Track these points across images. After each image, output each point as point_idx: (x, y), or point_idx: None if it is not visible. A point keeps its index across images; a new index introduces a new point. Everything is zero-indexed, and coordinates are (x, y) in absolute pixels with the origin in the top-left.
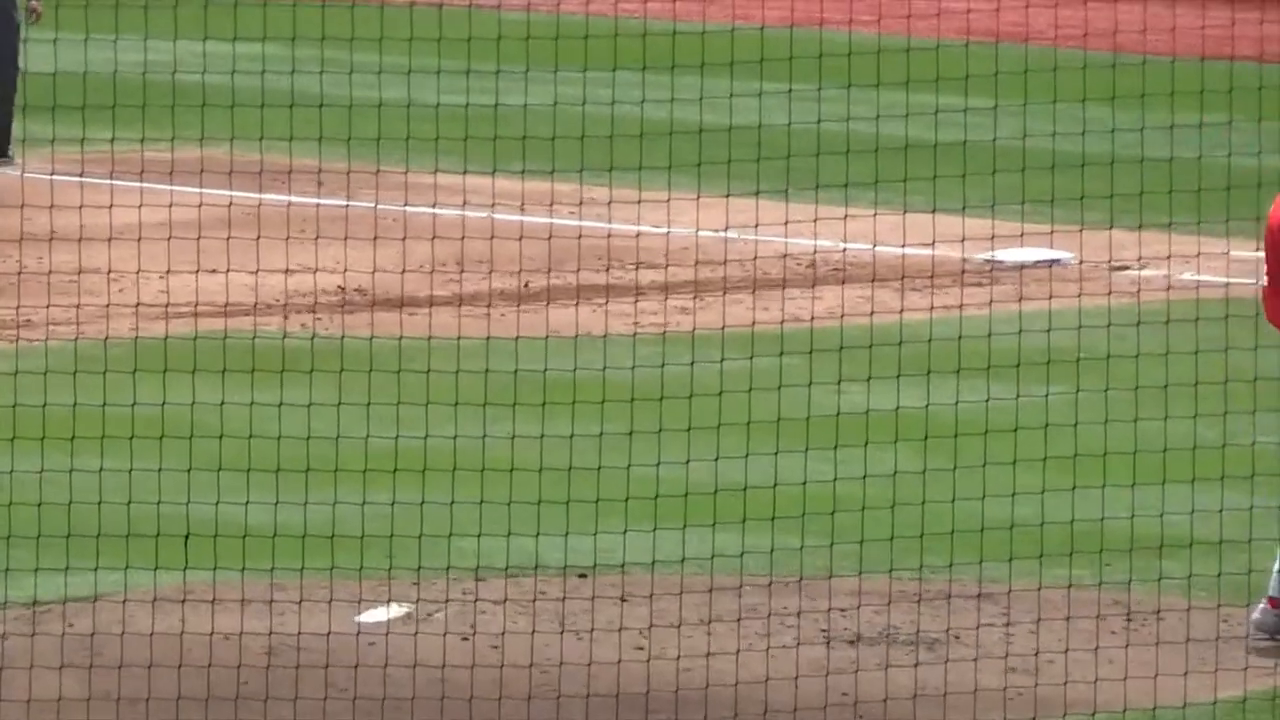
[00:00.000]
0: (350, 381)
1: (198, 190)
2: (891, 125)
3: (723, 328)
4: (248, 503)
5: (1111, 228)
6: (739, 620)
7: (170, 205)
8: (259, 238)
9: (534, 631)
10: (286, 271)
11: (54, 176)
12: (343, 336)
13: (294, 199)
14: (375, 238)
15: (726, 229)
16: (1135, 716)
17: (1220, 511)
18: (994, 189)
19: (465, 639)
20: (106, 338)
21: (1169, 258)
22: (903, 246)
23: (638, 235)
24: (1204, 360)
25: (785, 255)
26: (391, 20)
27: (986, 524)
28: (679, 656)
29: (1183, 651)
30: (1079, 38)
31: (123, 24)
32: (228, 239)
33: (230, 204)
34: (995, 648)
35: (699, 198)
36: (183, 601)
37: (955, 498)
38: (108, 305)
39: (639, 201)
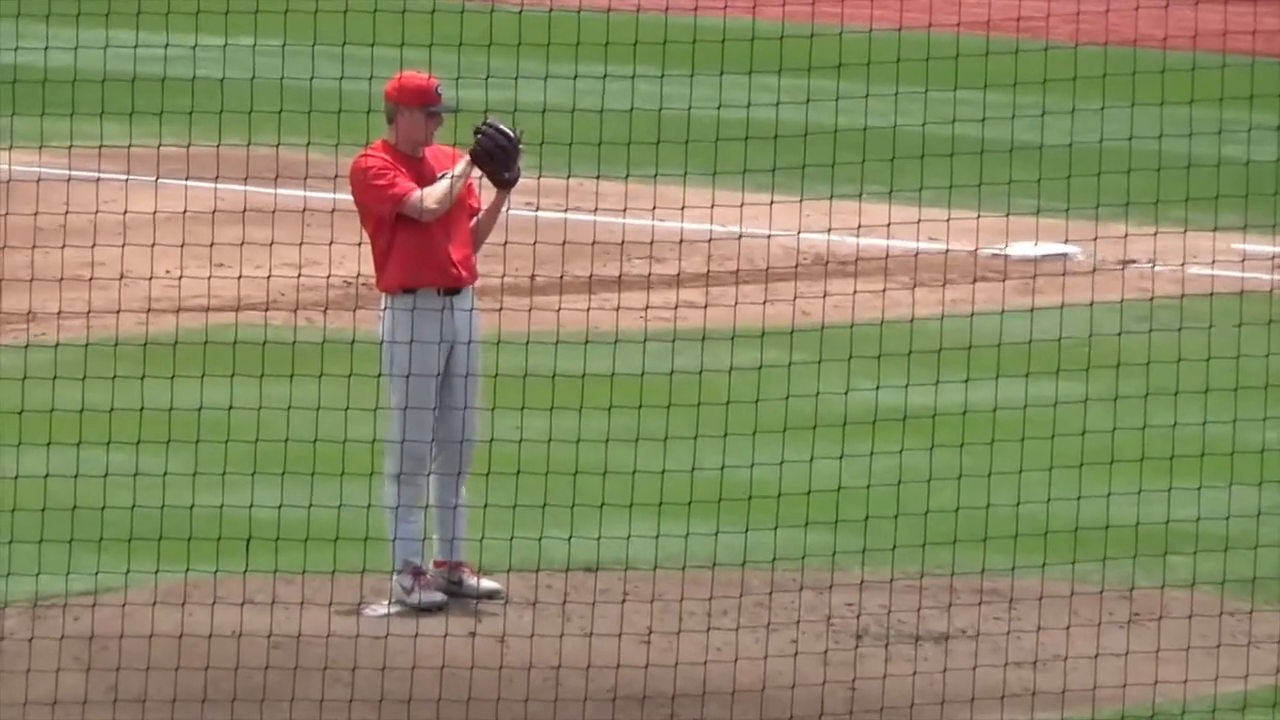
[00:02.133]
0: (358, 377)
1: (212, 186)
2: (903, 116)
3: (762, 332)
4: (251, 505)
5: (1156, 229)
6: (767, 625)
7: (185, 208)
8: (272, 242)
9: (563, 633)
10: (299, 271)
11: (70, 172)
12: (354, 341)
13: (310, 194)
14: None
15: (770, 230)
16: (1163, 717)
17: (1258, 515)
18: (1038, 187)
19: (471, 634)
20: (117, 337)
21: (1213, 261)
22: (946, 243)
23: (670, 231)
24: (1244, 361)
25: (827, 255)
26: (413, 22)
27: (1021, 526)
28: (706, 661)
29: (1214, 654)
30: (1101, 36)
31: (143, 24)
32: (241, 242)
33: (245, 206)
34: (1025, 647)
35: (771, 201)
36: (183, 603)
37: (990, 502)
38: (119, 305)
39: (647, 205)
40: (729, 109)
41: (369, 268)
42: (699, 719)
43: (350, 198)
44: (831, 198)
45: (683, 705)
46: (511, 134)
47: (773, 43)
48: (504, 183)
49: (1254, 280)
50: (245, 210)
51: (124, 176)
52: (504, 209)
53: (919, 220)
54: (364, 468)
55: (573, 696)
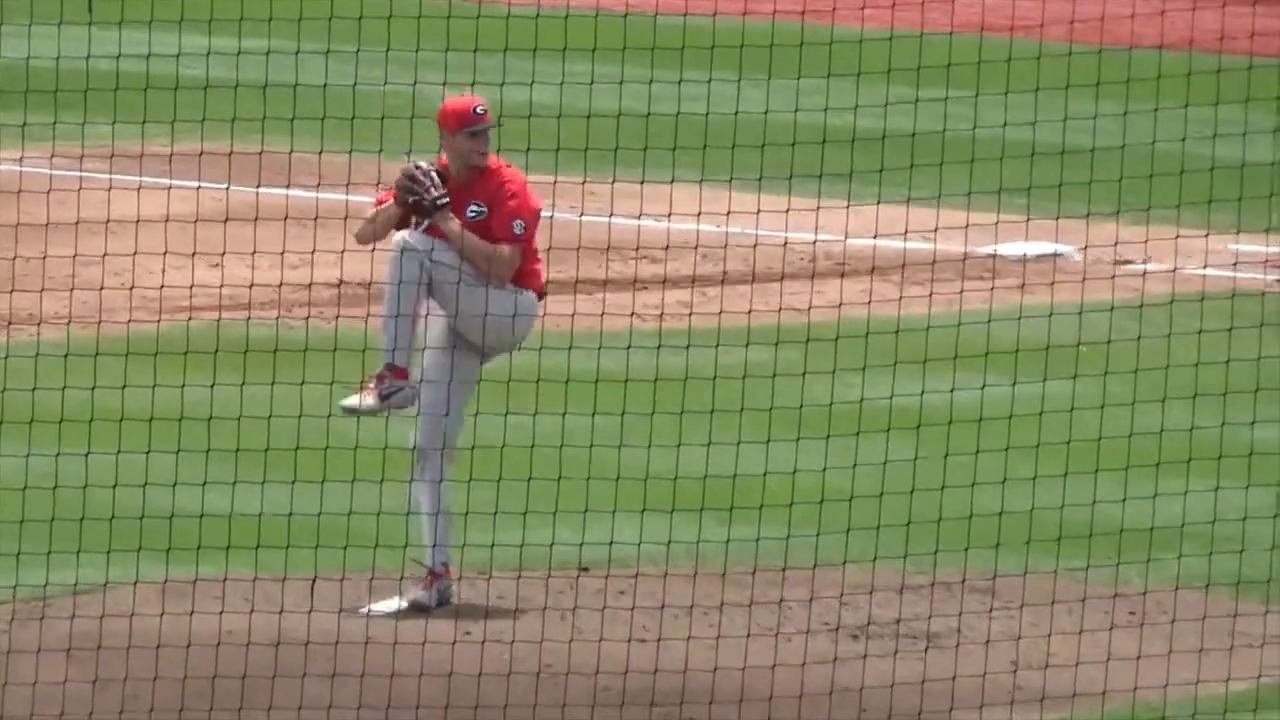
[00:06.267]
0: (345, 372)
1: (196, 183)
2: (898, 119)
3: (775, 329)
4: (234, 492)
5: (1119, 220)
6: (775, 615)
7: (170, 202)
8: (256, 234)
9: (557, 626)
10: (283, 260)
11: (52, 171)
12: (342, 336)
13: (293, 192)
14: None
15: (728, 217)
16: (1144, 710)
17: (1244, 516)
18: (1001, 180)
19: (468, 632)
20: (100, 328)
21: (1205, 263)
22: (904, 238)
23: (663, 231)
24: (1234, 362)
25: (784, 245)
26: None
27: (1005, 527)
28: (685, 662)
29: (1197, 655)
30: (1078, 30)
31: (127, 14)
32: (224, 233)
33: (232, 201)
34: (1006, 649)
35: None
36: (163, 593)
37: (1004, 498)
38: (99, 307)
39: (624, 200)
40: (717, 107)
41: (355, 270)
42: None
43: (357, 198)
44: (819, 193)
45: (673, 694)
46: (422, 165)
47: (763, 42)
48: (425, 210)
49: (1246, 281)
50: (234, 208)
51: (107, 175)
52: (463, 237)
53: (906, 219)
54: (347, 457)
55: (555, 701)
